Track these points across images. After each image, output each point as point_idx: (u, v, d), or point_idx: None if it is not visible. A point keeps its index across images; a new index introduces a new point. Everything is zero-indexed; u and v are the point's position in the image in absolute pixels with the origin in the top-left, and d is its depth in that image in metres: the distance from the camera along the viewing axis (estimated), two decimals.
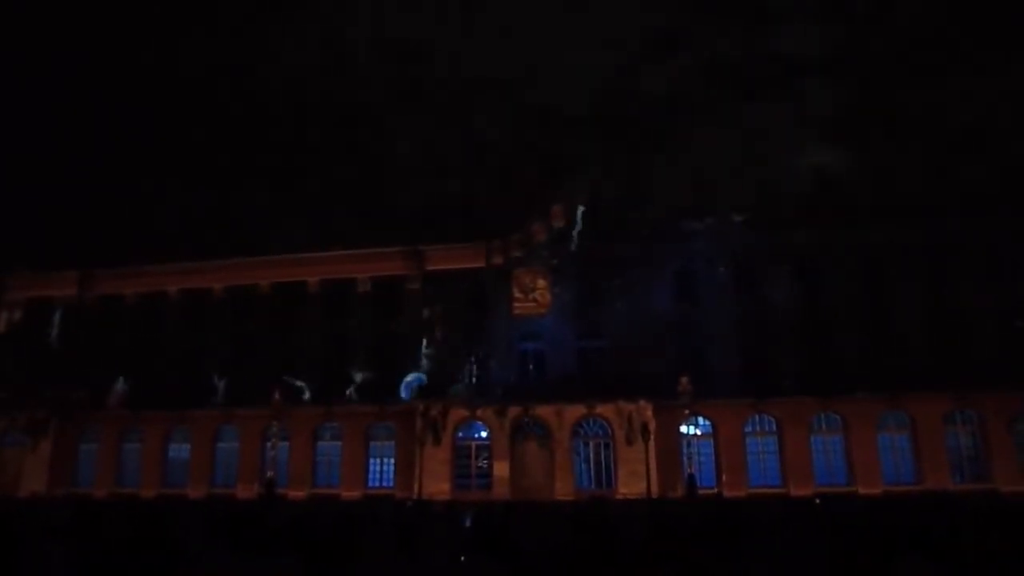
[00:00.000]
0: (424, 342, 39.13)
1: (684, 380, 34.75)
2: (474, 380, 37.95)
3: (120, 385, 40.66)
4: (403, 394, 37.93)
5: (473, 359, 38.81)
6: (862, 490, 32.79)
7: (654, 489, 33.35)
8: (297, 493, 37.27)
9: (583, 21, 77.29)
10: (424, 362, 38.69)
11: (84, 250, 44.66)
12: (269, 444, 37.27)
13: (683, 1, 74.83)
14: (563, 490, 34.39)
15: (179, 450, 40.71)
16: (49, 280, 44.63)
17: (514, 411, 36.04)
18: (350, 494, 36.92)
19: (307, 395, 39.26)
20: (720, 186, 40.16)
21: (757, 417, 35.85)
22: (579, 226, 38.83)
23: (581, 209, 38.95)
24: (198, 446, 40.17)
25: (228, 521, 14.92)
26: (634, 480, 34.04)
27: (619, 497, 32.91)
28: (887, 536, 10.27)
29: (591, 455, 36.05)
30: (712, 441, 35.86)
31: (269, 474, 35.87)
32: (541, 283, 39.03)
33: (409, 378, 38.14)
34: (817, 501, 29.34)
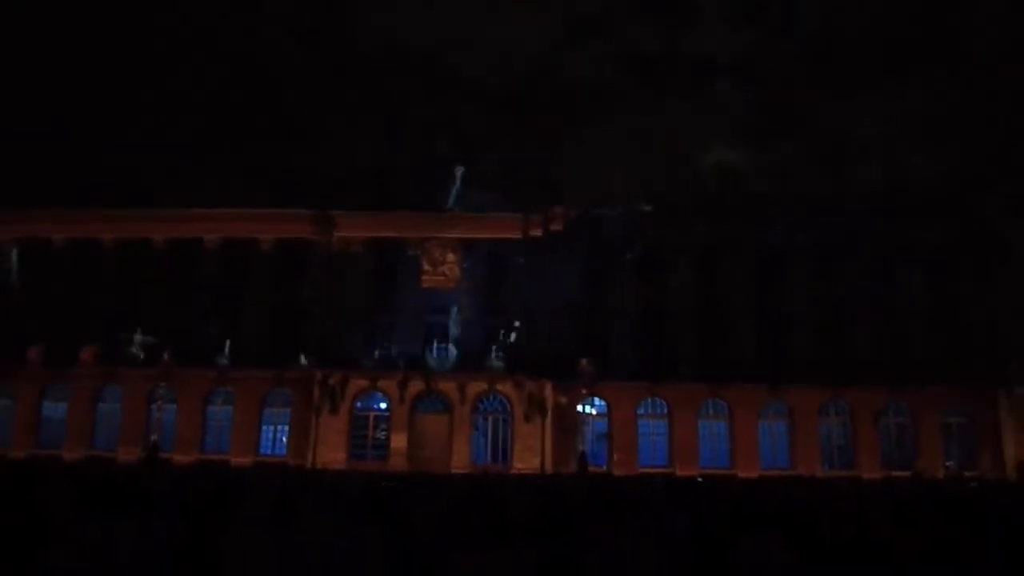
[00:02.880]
0: (328, 309, 38.25)
1: (584, 361, 35.65)
2: (377, 352, 37.42)
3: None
4: (433, 362, 36.34)
5: (377, 329, 38.31)
6: (741, 473, 34.72)
7: (548, 465, 34.18)
8: (184, 458, 35.84)
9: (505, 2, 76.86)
10: (328, 328, 37.79)
11: None
12: (155, 406, 35.68)
13: None
14: (459, 463, 34.70)
15: (55, 409, 38.31)
16: None
17: (416, 384, 35.96)
18: (240, 460, 35.86)
19: (200, 356, 37.61)
20: (629, 175, 41.08)
21: (650, 400, 37.26)
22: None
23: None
24: (76, 405, 37.90)
25: (103, 485, 14.20)
26: (529, 456, 34.77)
27: (514, 472, 33.52)
28: (747, 514, 10.94)
29: (489, 430, 36.53)
30: (607, 421, 37.03)
31: (153, 437, 34.38)
32: (451, 257, 38.88)
33: (442, 346, 36.84)
34: (699, 480, 30.91)
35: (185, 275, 39.40)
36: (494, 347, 36.34)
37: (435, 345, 37.67)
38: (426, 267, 38.78)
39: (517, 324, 36.18)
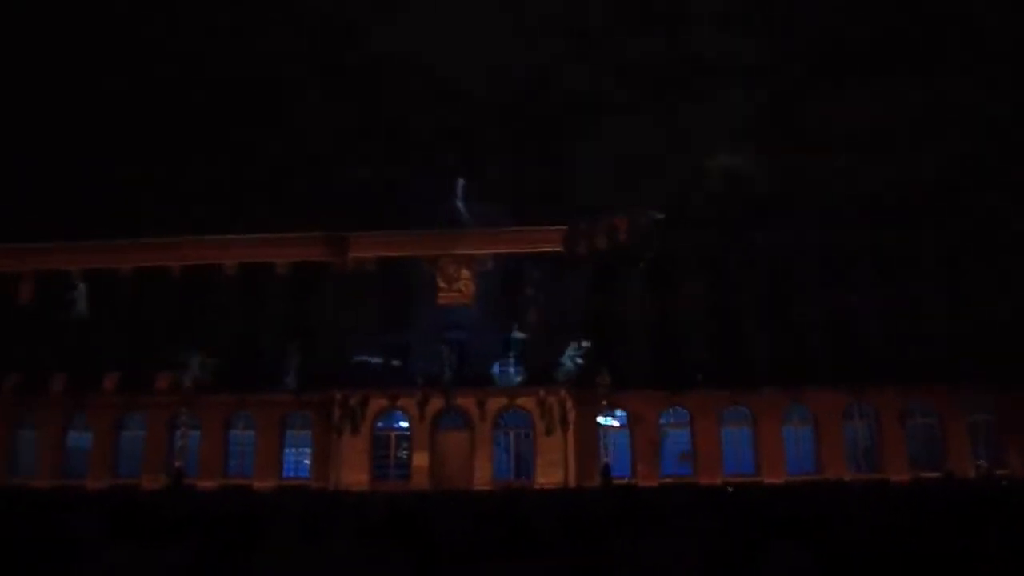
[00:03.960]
0: (345, 329, 38.37)
1: (603, 372, 35.50)
2: (395, 370, 37.43)
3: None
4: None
5: (395, 347, 38.35)
6: (767, 479, 34.34)
7: (571, 479, 33.97)
8: (208, 483, 36.01)
9: (506, 13, 77.47)
10: (346, 349, 37.87)
11: None
12: (178, 433, 35.91)
13: (604, 1, 76.01)
14: (482, 480, 34.58)
15: (79, 439, 38.65)
16: None
17: (435, 401, 35.95)
18: (263, 484, 35.94)
19: (219, 382, 37.83)
20: (636, 183, 41.12)
21: (671, 409, 37.00)
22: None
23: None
24: (99, 434, 38.24)
25: (128, 512, 14.27)
26: (552, 470, 34.59)
27: (537, 487, 33.34)
28: (775, 521, 10.78)
29: (511, 445, 36.40)
30: (628, 432, 36.78)
31: (177, 464, 34.58)
32: (465, 273, 38.96)
33: (504, 361, 36.43)
34: (729, 489, 30.58)
35: (203, 302, 39.72)
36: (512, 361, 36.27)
37: (453, 361, 37.57)
38: (441, 284, 38.88)
39: (586, 343, 35.65)
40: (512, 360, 36.48)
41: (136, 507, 15.76)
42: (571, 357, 35.64)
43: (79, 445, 38.50)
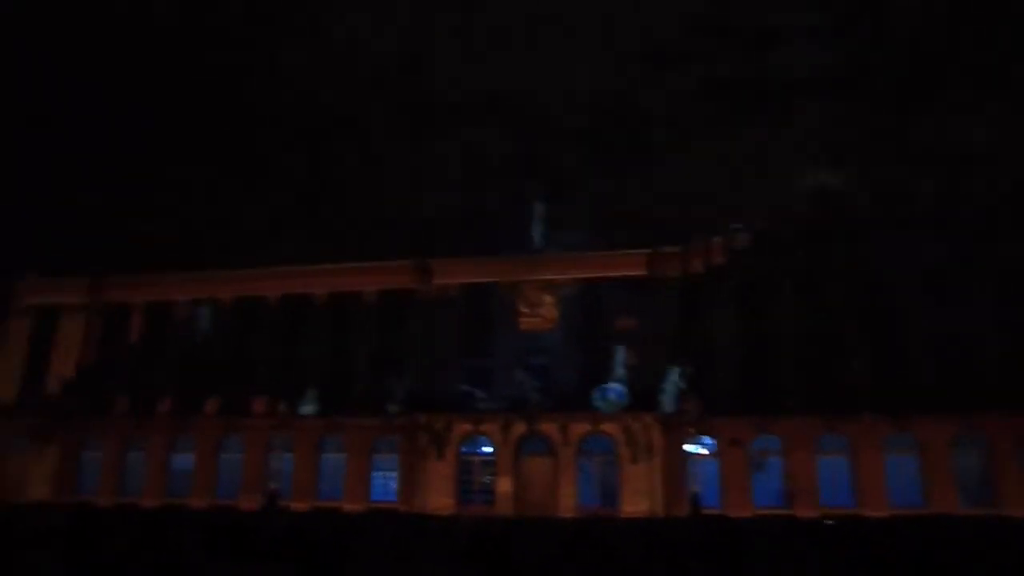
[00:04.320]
0: (429, 355, 39.04)
1: (690, 398, 34.62)
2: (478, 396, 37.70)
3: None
4: (599, 404, 35.49)
5: (478, 373, 38.65)
6: (868, 512, 32.43)
7: (659, 508, 33.11)
8: (300, 505, 37.17)
9: (582, 36, 77.89)
10: (431, 374, 38.50)
11: (92, 257, 44.94)
12: (273, 456, 37.27)
13: (682, 20, 75.31)
14: (566, 507, 34.19)
15: (182, 460, 40.74)
16: (58, 287, 44.90)
17: (518, 426, 35.94)
18: (353, 507, 36.80)
19: (311, 407, 39.21)
20: (721, 204, 40.14)
21: (763, 437, 35.60)
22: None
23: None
24: (201, 456, 40.20)
25: (228, 531, 14.89)
26: (638, 498, 33.83)
27: (623, 515, 32.69)
28: (892, 560, 10.13)
29: (595, 472, 35.85)
30: (717, 460, 35.60)
31: (272, 486, 35.84)
32: (548, 299, 38.99)
33: (608, 387, 35.80)
34: (830, 522, 29.09)
35: (295, 329, 41.37)
36: (595, 387, 35.85)
37: (536, 386, 37.45)
38: (523, 309, 39.04)
39: (689, 368, 35.12)
40: (613, 384, 35.76)
41: (236, 527, 16.42)
42: (673, 383, 34.90)
43: (182, 466, 40.55)
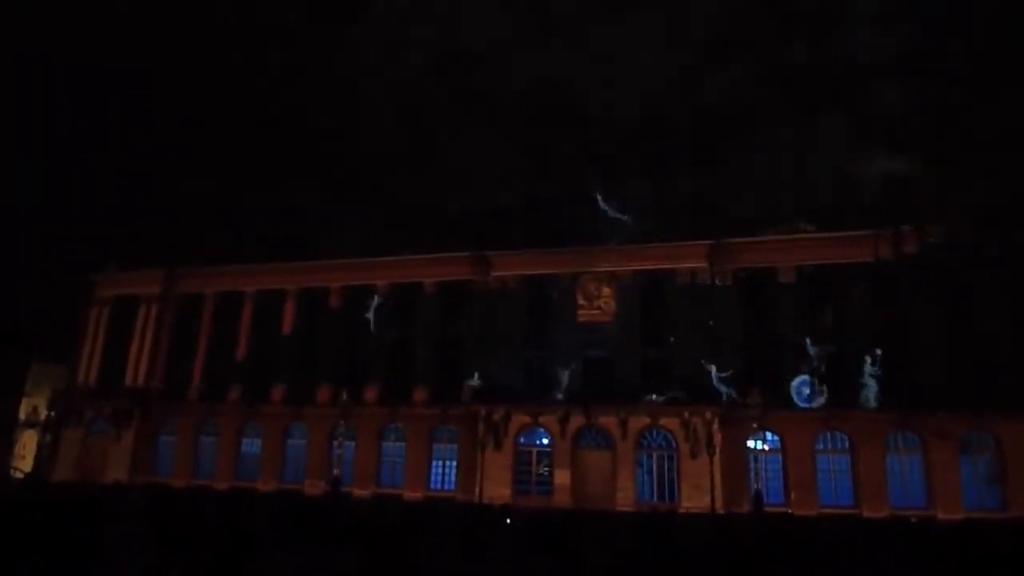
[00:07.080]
0: (488, 347, 39.25)
1: (753, 392, 33.89)
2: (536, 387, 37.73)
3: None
4: (797, 398, 34.57)
5: (536, 365, 38.64)
6: (941, 515, 31.19)
7: (719, 504, 32.60)
8: (362, 492, 38.05)
9: (643, 29, 76.67)
10: (489, 365, 38.68)
11: (166, 251, 46.84)
12: (336, 443, 38.21)
13: (745, 8, 73.24)
14: (624, 501, 34.00)
15: (251, 445, 42.23)
16: (136, 279, 46.95)
17: (577, 419, 35.87)
18: (412, 495, 37.45)
19: (373, 396, 40.02)
20: (788, 193, 38.86)
21: (829, 434, 34.61)
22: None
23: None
24: (269, 442, 41.57)
25: (295, 514, 15.37)
26: (698, 494, 33.36)
27: (682, 511, 32.28)
28: (967, 565, 9.74)
29: (654, 466, 35.52)
30: (780, 456, 34.79)
31: (335, 472, 36.76)
32: (606, 291, 38.68)
33: (797, 381, 34.76)
34: (913, 520, 28.14)
35: (358, 320, 42.12)
36: (654, 379, 35.46)
37: (594, 379, 37.19)
38: (581, 301, 38.85)
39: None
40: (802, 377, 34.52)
41: (303, 510, 16.94)
42: (870, 375, 33.67)
43: (251, 451, 42.05)
